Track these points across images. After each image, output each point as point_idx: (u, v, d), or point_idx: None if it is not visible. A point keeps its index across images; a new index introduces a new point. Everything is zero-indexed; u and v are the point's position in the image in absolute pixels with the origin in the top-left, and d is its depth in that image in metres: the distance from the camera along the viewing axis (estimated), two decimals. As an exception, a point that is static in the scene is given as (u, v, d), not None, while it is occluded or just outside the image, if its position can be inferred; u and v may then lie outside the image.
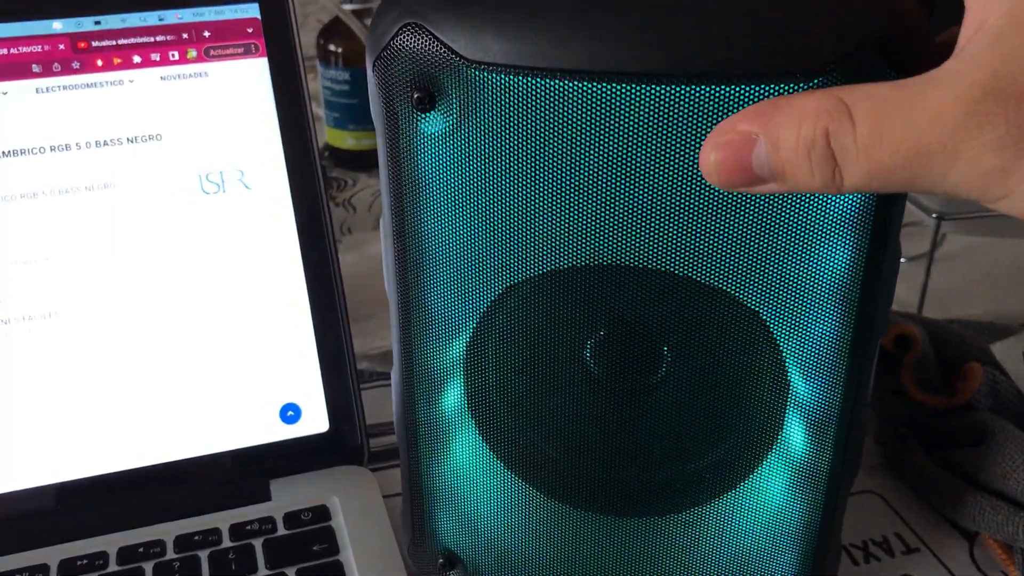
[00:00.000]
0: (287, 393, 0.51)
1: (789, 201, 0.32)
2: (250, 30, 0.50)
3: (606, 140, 0.31)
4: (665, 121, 0.30)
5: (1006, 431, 0.49)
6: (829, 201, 0.31)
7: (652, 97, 0.30)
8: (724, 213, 0.32)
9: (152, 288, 0.49)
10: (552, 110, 0.31)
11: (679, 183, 0.32)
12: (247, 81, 0.50)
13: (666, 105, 0.30)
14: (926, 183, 0.26)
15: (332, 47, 0.90)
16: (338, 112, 0.93)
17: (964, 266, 0.76)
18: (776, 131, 0.28)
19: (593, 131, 0.31)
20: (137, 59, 0.49)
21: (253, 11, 0.50)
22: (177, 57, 0.49)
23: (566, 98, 0.31)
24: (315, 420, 0.51)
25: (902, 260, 0.73)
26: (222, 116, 0.50)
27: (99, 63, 0.48)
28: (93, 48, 0.48)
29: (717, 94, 0.30)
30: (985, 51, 0.26)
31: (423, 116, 0.33)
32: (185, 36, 0.49)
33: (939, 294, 0.69)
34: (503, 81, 0.31)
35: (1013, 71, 0.25)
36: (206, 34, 0.50)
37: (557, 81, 0.31)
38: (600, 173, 0.32)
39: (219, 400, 0.50)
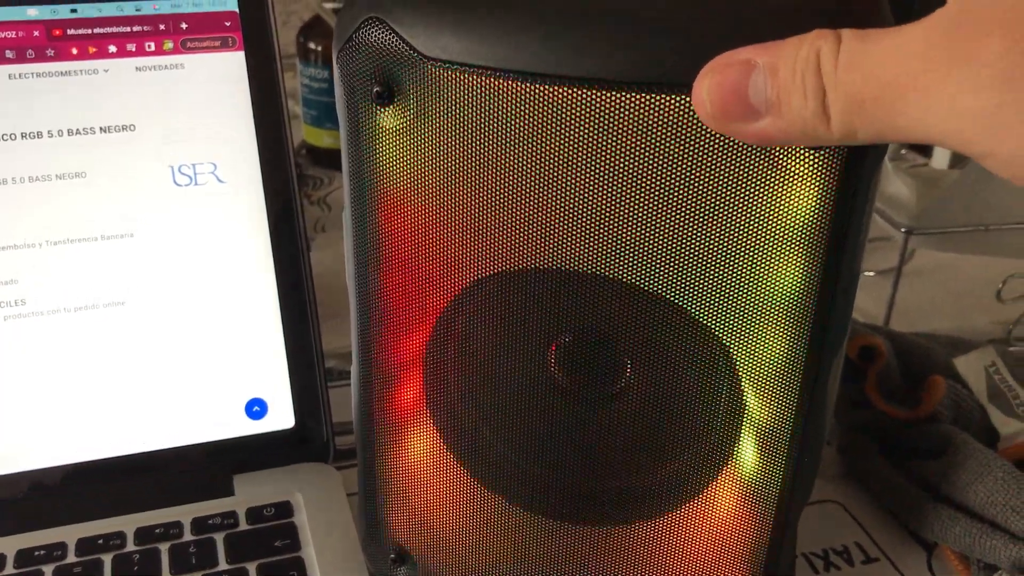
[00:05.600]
0: (254, 388, 0.51)
1: (741, 210, 0.31)
2: (228, 23, 0.50)
3: (556, 143, 0.31)
4: (616, 127, 0.30)
5: (967, 444, 0.50)
6: (781, 211, 0.31)
7: (604, 103, 0.30)
8: (674, 222, 0.32)
9: (121, 279, 0.49)
10: (505, 110, 0.31)
11: (628, 190, 0.31)
12: (223, 74, 0.50)
13: (617, 111, 0.30)
14: (903, 124, 0.25)
15: (312, 45, 0.90)
16: (316, 110, 0.93)
17: (931, 281, 0.77)
18: (776, 57, 0.26)
19: (544, 133, 0.31)
20: (112, 49, 0.49)
21: (231, 4, 0.50)
22: (153, 48, 0.49)
23: (519, 99, 0.31)
24: (281, 416, 0.51)
25: (870, 274, 0.74)
26: (197, 109, 0.50)
27: (74, 51, 0.48)
28: (68, 36, 0.48)
29: (667, 103, 0.30)
30: None
31: (382, 110, 0.33)
32: (162, 27, 0.49)
33: (906, 308, 0.70)
34: (459, 79, 0.31)
35: (982, 3, 0.23)
36: (183, 26, 0.49)
37: (511, 82, 0.31)
38: (550, 175, 0.32)
39: (184, 393, 0.50)
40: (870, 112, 0.25)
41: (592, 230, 0.33)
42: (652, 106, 0.30)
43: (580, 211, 0.32)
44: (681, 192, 0.31)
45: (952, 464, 0.49)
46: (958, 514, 0.48)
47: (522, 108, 0.31)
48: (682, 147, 0.30)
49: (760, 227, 0.31)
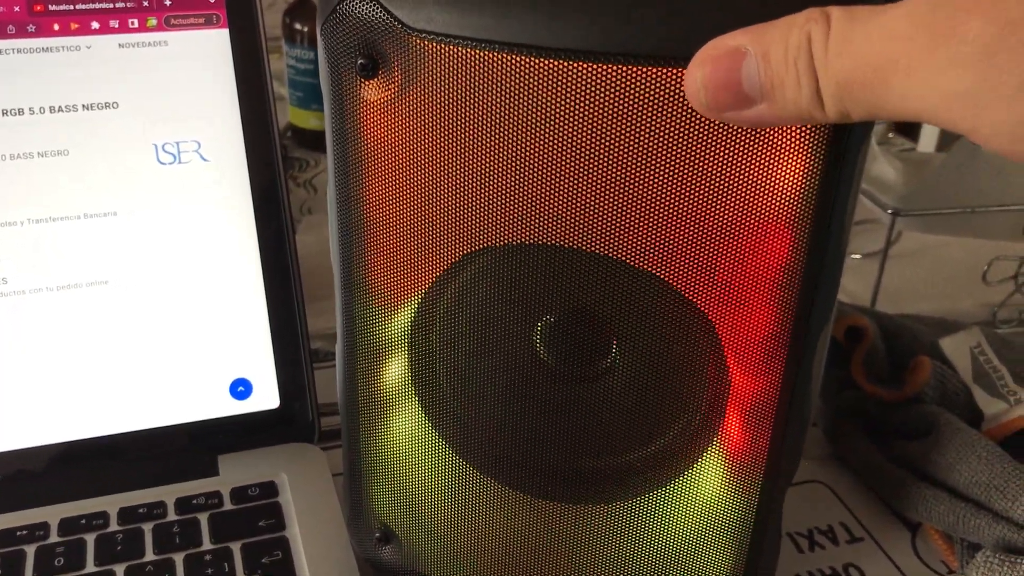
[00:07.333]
0: (238, 368, 0.50)
1: (728, 184, 0.31)
2: (212, 0, 0.49)
3: (542, 115, 0.31)
4: (602, 99, 0.30)
5: (952, 424, 0.50)
6: (768, 184, 0.31)
7: (589, 75, 0.30)
8: (660, 196, 0.31)
9: (104, 258, 0.48)
10: (491, 82, 0.31)
11: (615, 163, 0.31)
12: (207, 52, 0.49)
13: (603, 83, 0.30)
14: (891, 105, 0.25)
15: (298, 25, 0.90)
16: (302, 91, 0.92)
17: (918, 263, 0.77)
18: (767, 43, 0.26)
19: (529, 105, 0.31)
20: (95, 25, 0.48)
21: (215, -19, 0.49)
22: (137, 25, 0.49)
23: (504, 71, 0.31)
24: (266, 396, 0.51)
25: (857, 256, 0.74)
26: (181, 86, 0.49)
27: (56, 27, 0.47)
28: (50, 12, 0.47)
29: (655, 76, 0.29)
30: None
31: (366, 83, 0.33)
32: (145, 3, 0.49)
33: (892, 290, 0.70)
34: (444, 51, 0.31)
35: None
36: (167, 2, 0.49)
37: (497, 53, 0.30)
38: (536, 148, 0.32)
39: (168, 373, 0.49)
40: (860, 94, 0.25)
41: (579, 204, 0.32)
42: (639, 78, 0.30)
43: (567, 185, 0.32)
44: (668, 165, 0.31)
45: (936, 444, 0.50)
46: (942, 494, 0.48)
47: (507, 80, 0.31)
48: (669, 120, 0.30)
49: (748, 200, 0.31)
